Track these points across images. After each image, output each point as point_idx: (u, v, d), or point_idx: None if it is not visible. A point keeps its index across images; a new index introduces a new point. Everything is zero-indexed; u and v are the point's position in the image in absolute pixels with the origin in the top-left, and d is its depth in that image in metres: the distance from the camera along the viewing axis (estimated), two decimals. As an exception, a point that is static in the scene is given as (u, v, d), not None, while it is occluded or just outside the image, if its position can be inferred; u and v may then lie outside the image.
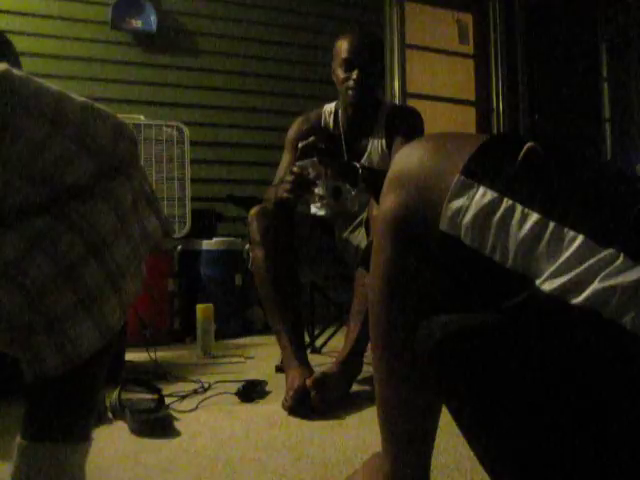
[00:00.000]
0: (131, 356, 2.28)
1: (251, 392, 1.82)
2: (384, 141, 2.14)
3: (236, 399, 1.80)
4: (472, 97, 4.89)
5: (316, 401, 1.65)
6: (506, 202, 0.58)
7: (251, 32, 4.02)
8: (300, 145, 1.84)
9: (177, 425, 1.55)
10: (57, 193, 0.70)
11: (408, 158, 0.70)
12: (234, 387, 1.85)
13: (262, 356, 2.59)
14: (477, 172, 0.61)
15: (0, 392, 1.66)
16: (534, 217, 0.57)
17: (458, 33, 4.86)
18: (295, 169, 1.84)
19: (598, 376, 0.52)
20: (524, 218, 0.57)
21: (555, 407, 0.53)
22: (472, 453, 0.63)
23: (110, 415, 1.59)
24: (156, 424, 1.49)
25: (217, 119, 3.89)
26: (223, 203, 3.60)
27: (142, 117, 3.40)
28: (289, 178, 1.85)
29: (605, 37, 5.12)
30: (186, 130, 3.41)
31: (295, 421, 1.60)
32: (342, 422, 1.58)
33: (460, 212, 0.60)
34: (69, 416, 0.78)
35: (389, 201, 0.70)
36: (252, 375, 2.08)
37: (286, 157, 2.20)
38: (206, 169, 3.76)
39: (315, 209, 2.28)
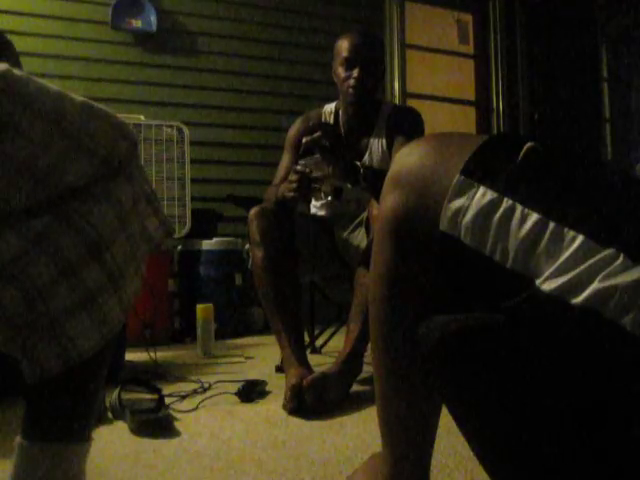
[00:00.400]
0: (131, 356, 2.28)
1: (251, 392, 1.82)
2: (384, 141, 2.14)
3: (236, 399, 1.80)
4: (472, 97, 4.90)
5: (312, 401, 1.64)
6: (506, 202, 0.58)
7: (251, 32, 4.02)
8: (304, 140, 1.78)
9: (177, 425, 1.55)
10: (57, 193, 0.70)
11: (408, 158, 0.70)
12: (234, 387, 1.85)
13: (262, 356, 2.59)
14: (477, 172, 0.61)
15: (0, 392, 1.66)
16: (534, 217, 0.57)
17: (458, 33, 4.87)
18: (299, 168, 1.83)
19: (598, 376, 0.52)
20: (524, 218, 0.57)
21: (555, 407, 0.53)
22: (472, 453, 0.63)
23: (110, 415, 1.60)
24: (156, 424, 1.49)
25: (217, 119, 3.89)
26: (223, 203, 3.60)
27: (142, 117, 3.40)
28: (293, 177, 1.84)
29: (605, 37, 5.12)
30: (186, 130, 3.41)
31: (295, 421, 1.60)
32: (342, 422, 1.58)
33: (460, 212, 0.60)
34: (69, 416, 0.78)
35: (389, 201, 0.70)
36: (252, 375, 2.08)
37: (286, 157, 2.19)
38: (206, 169, 3.77)
39: (315, 209, 2.27)
